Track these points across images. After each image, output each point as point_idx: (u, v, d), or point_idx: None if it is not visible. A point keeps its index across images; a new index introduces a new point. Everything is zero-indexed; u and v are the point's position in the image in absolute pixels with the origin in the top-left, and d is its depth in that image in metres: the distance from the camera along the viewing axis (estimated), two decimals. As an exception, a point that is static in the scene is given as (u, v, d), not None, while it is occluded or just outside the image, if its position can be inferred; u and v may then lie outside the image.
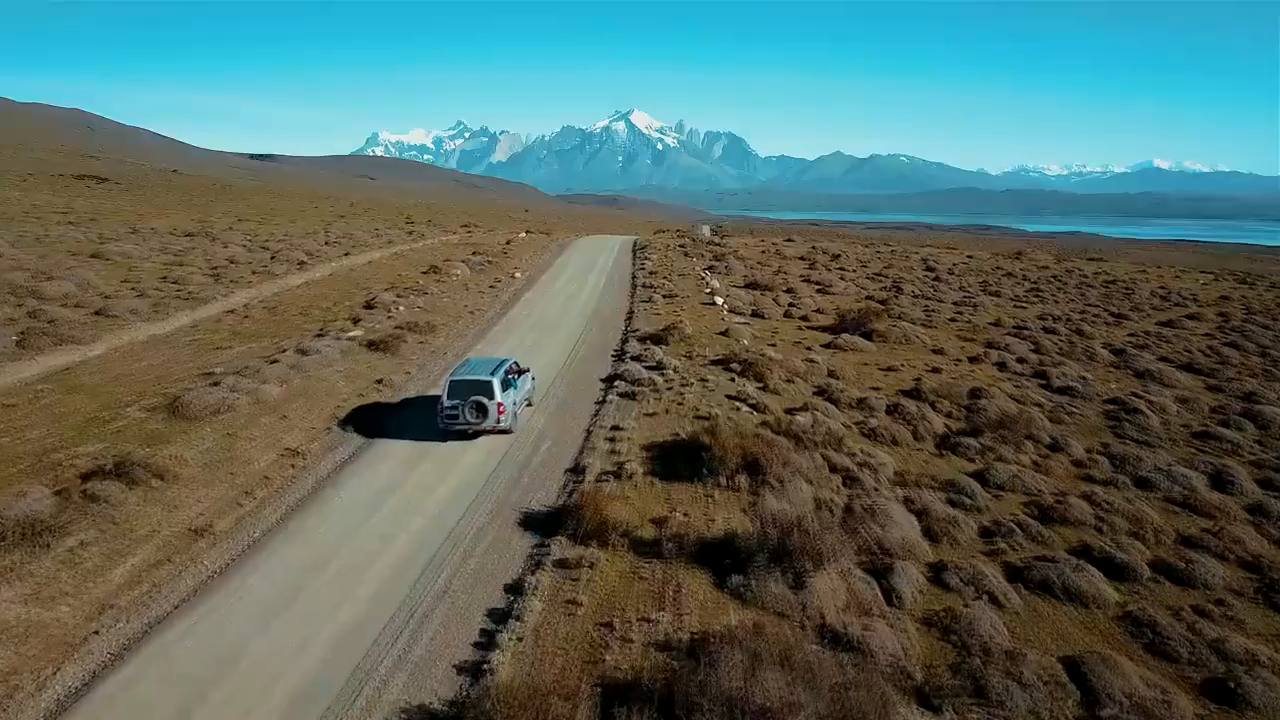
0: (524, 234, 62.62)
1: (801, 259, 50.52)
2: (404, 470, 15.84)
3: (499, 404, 16.89)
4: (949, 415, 20.30)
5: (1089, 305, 37.67)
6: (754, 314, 31.58)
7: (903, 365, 24.55)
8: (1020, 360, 25.82)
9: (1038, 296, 39.81)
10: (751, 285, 37.94)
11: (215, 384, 18.53)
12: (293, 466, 15.76)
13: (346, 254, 44.26)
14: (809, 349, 26.24)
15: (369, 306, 28.82)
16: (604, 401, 20.04)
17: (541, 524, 13.58)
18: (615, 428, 17.83)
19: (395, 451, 16.75)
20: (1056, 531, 14.42)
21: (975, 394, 21.67)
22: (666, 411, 19.01)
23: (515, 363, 18.79)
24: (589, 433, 17.93)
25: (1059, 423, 20.56)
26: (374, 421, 18.51)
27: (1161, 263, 70.07)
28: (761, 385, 21.41)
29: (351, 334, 24.76)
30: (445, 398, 16.97)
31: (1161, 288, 45.00)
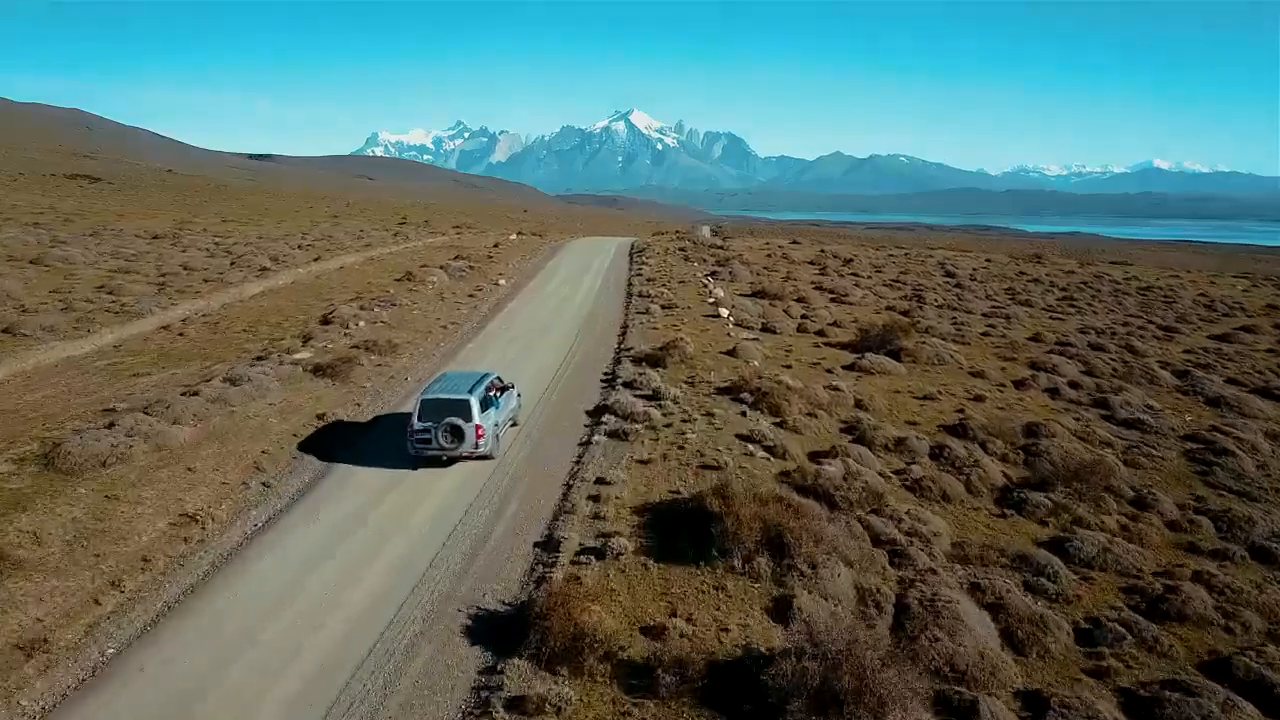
0: (515, 236, 59.15)
1: (811, 263, 47.06)
2: (333, 540, 12.46)
3: (477, 426, 14.85)
4: (1005, 459, 16.88)
5: (1130, 316, 34.26)
6: (764, 328, 28.15)
7: (940, 392, 21.12)
8: (1073, 385, 22.38)
9: (1072, 306, 36.38)
10: (759, 294, 34.51)
11: (110, 425, 15.06)
12: (185, 541, 12.34)
13: (317, 258, 40.80)
14: (830, 372, 22.81)
15: (326, 322, 25.37)
16: (589, 443, 16.61)
17: (497, 632, 10.17)
18: (600, 481, 14.40)
19: (329, 511, 13.39)
20: (1175, 634, 11.02)
21: (1032, 431, 18.25)
22: (664, 458, 15.57)
23: (497, 378, 16.78)
24: (568, 488, 14.51)
25: (1136, 467, 17.15)
26: (309, 467, 15.10)
27: (1167, 264, 66.69)
28: (778, 420, 17.97)
29: (298, 356, 21.31)
30: (415, 419, 14.89)
31: (1201, 295, 41.57)
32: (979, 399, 20.75)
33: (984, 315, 32.94)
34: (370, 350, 22.49)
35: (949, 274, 45.46)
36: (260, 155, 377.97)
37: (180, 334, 23.35)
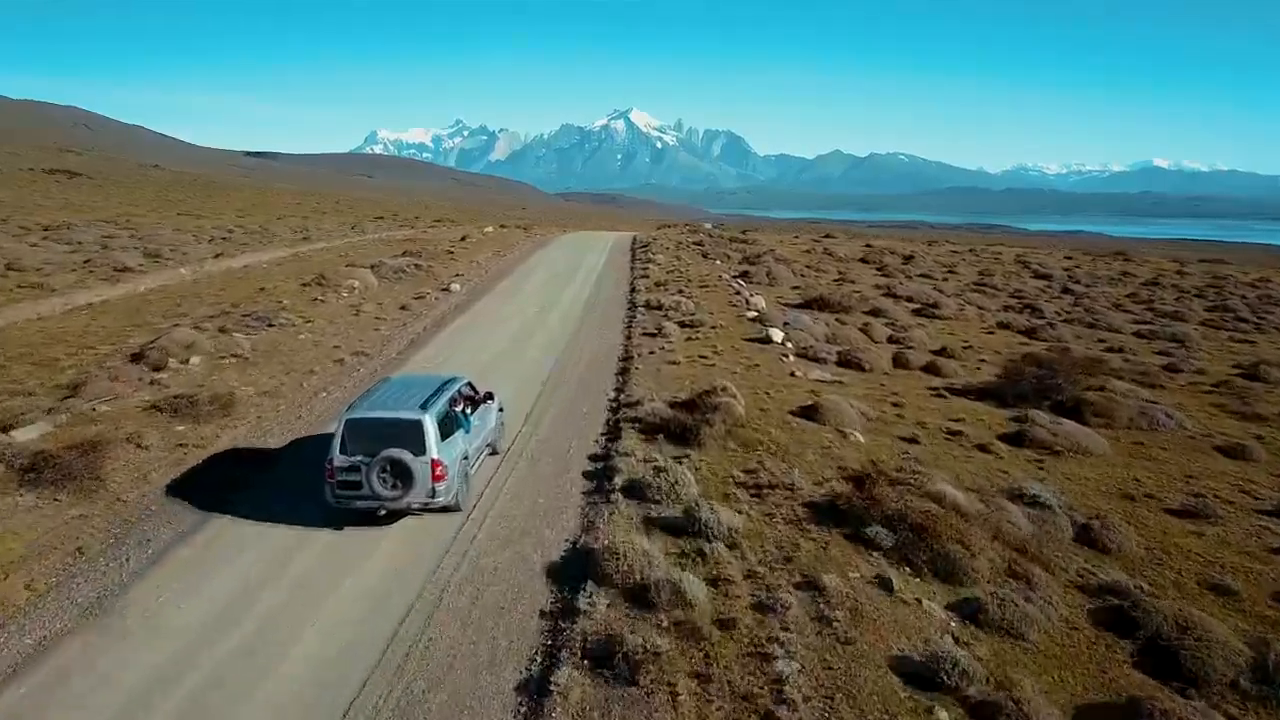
0: (489, 229, 49.12)
1: (864, 262, 37.12)
2: None
3: (434, 463, 9.42)
4: None
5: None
6: (843, 361, 18.20)
7: (1206, 501, 11.15)
8: None
9: (1244, 322, 26.36)
10: (816, 304, 24.55)
11: None
12: None
13: (219, 255, 30.84)
14: (985, 450, 12.89)
15: (139, 357, 15.41)
16: (540, 695, 6.69)
17: None
18: None
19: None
20: None
21: None
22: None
23: (467, 384, 11.51)
24: None
25: None
26: None
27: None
28: (965, 603, 8.07)
29: (20, 435, 11.39)
30: (337, 450, 9.44)
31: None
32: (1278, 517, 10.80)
33: (1139, 336, 23.00)
34: (178, 413, 12.59)
35: (1041, 275, 35.50)
36: (259, 153, 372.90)
37: None
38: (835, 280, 30.48)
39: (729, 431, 12.66)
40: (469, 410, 11.11)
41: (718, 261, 33.76)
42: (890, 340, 20.70)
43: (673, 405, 13.80)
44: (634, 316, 22.64)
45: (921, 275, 33.16)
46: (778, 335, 19.41)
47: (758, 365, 17.30)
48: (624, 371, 16.94)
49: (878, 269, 34.72)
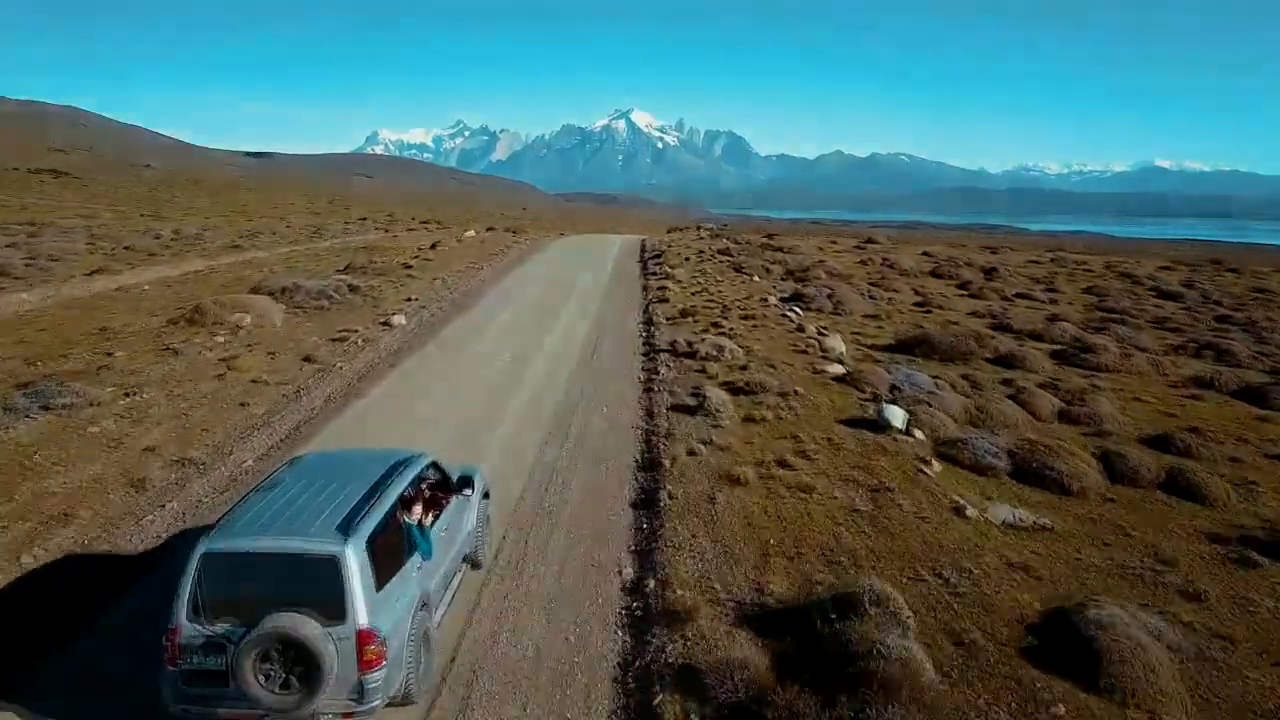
0: (471, 232, 41.48)
1: (936, 276, 29.44)
2: None
3: (361, 636, 5.15)
4: None
5: None
6: (1021, 468, 10.54)
7: None
8: None
9: None
10: (916, 347, 16.86)
11: None
12: None
13: (96, 271, 23.27)
14: None
15: None
16: None
17: None
18: None
19: None
20: None
21: None
22: None
23: (430, 466, 7.17)
24: None
25: None
26: None
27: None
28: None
29: None
30: (183, 614, 5.17)
31: None
32: None
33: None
34: None
35: (1167, 294, 27.81)
36: (258, 153, 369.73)
37: None
38: (917, 305, 22.84)
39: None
40: (431, 515, 6.73)
41: (755, 278, 26.06)
42: (1065, 417, 13.05)
43: (774, 654, 6.19)
44: (654, 371, 14.99)
45: (1020, 295, 25.47)
46: (897, 416, 11.75)
47: (889, 490, 9.66)
48: (648, 503, 9.32)
49: (960, 286, 27.05)
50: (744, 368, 14.79)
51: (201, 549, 5.28)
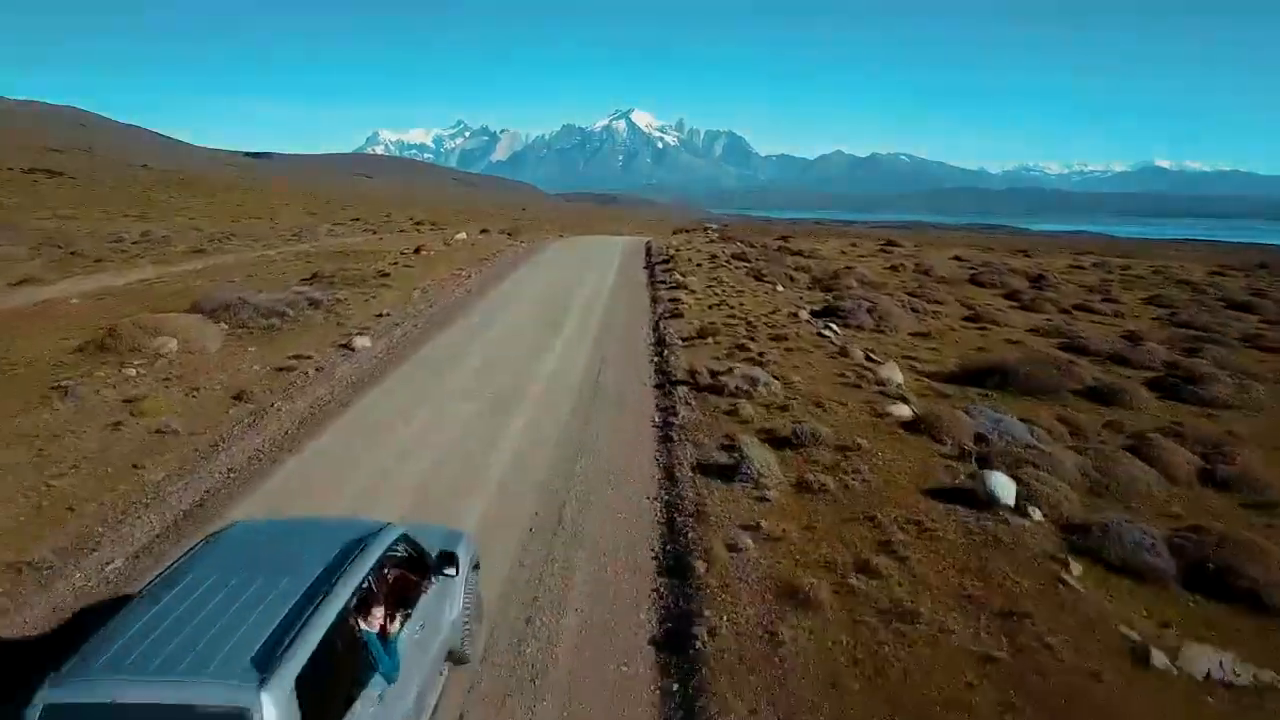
0: (462, 235, 38.45)
1: (976, 284, 26.36)
2: None
3: None
4: None
5: None
6: (1188, 568, 7.57)
7: None
8: None
9: None
10: (981, 374, 13.81)
11: None
12: None
13: (20, 283, 20.28)
14: None
15: None
16: None
17: None
18: None
19: None
20: None
21: None
22: None
23: (401, 542, 5.21)
24: None
25: None
26: None
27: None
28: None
29: None
30: None
31: None
32: None
33: None
34: None
35: (1232, 303, 24.80)
36: (258, 154, 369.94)
37: None
38: (968, 320, 19.81)
39: None
40: (399, 616, 4.91)
41: (779, 287, 22.98)
42: (1209, 479, 10.04)
43: None
44: (672, 411, 11.97)
45: (1079, 307, 22.43)
46: (1004, 487, 8.73)
47: (1025, 618, 6.65)
48: (678, 644, 6.25)
49: (1008, 296, 24.01)
50: (785, 407, 11.79)
51: (41, 701, 3.56)
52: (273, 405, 11.78)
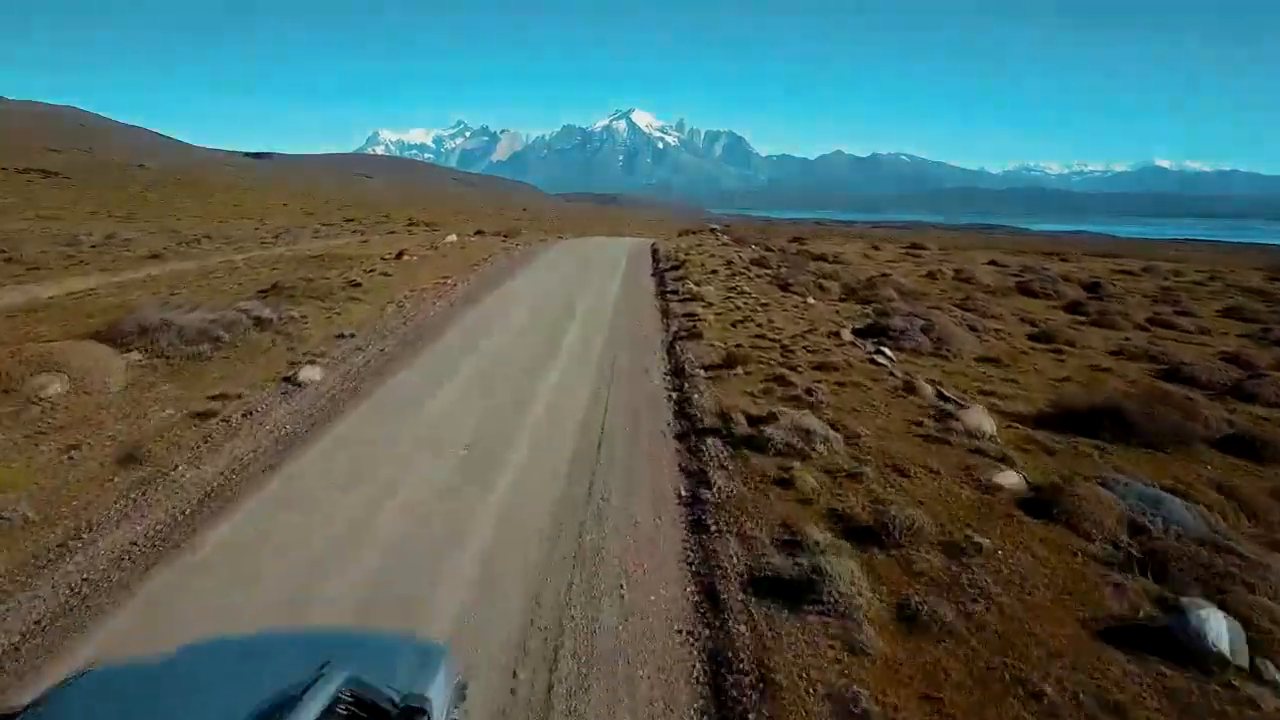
0: (452, 237, 35.56)
1: (1026, 293, 23.39)
2: None
3: None
4: None
5: None
6: None
7: None
8: None
9: None
10: (1088, 418, 10.92)
11: None
12: None
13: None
14: None
15: None
16: None
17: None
18: None
19: None
20: None
21: None
22: None
23: (348, 688, 3.29)
24: None
25: None
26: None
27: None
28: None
29: None
30: None
31: None
32: None
33: None
34: None
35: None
36: (258, 153, 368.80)
37: None
38: (1034, 339, 16.86)
39: None
40: None
41: (810, 299, 20.01)
42: None
43: None
44: (703, 479, 9.04)
45: (1154, 322, 19.48)
46: (1220, 633, 5.84)
47: None
48: None
49: (1067, 308, 21.06)
50: (855, 475, 8.83)
51: None
52: (173, 470, 8.84)
